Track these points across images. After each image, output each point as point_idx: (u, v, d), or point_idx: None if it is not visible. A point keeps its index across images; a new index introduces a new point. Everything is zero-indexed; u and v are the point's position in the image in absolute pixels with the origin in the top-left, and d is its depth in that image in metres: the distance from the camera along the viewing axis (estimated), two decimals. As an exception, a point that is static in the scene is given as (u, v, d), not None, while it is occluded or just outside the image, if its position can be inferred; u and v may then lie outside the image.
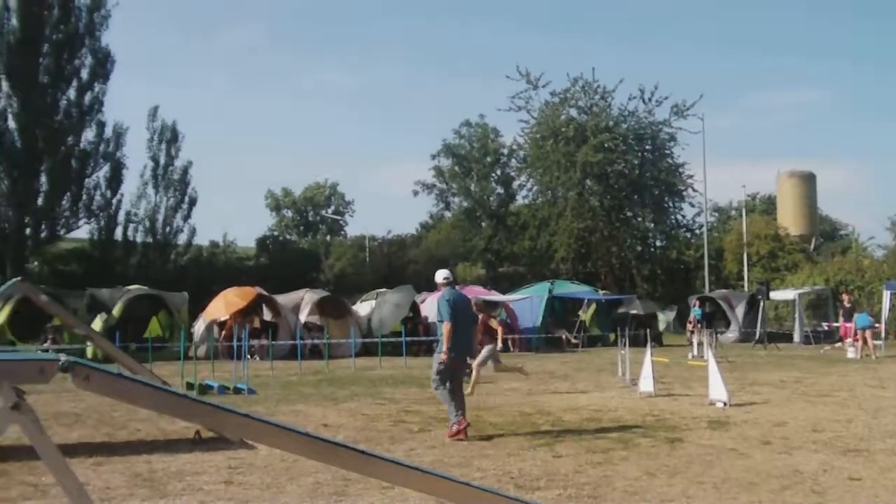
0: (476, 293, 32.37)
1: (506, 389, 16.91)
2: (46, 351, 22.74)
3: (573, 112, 50.37)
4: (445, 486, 3.15)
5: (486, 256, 55.64)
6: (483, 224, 57.04)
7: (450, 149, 57.28)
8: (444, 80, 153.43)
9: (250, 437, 3.13)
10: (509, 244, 54.45)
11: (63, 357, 2.53)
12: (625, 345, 19.14)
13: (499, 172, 57.51)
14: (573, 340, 32.36)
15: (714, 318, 34.74)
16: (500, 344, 16.62)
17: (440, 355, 10.97)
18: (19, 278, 10.35)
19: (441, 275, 11.67)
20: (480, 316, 15.19)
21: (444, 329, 10.96)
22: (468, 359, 11.80)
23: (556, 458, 9.41)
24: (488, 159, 56.78)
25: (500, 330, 18.41)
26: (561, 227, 48.24)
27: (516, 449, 9.96)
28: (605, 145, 46.98)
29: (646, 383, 15.67)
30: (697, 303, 35.04)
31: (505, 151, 57.22)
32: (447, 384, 10.92)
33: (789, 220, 54.25)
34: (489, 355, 15.97)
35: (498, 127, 58.41)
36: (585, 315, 34.39)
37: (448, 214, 60.70)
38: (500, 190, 57.68)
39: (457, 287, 12.08)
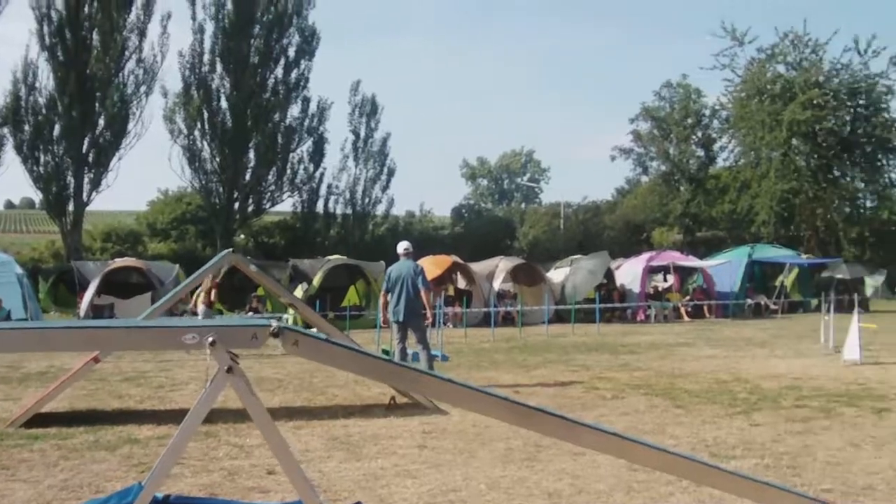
0: (672, 258, 31.92)
1: (702, 356, 16.64)
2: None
3: (780, 68, 47.87)
4: (643, 453, 3.21)
5: (684, 221, 54.52)
6: (681, 188, 55.77)
7: (648, 111, 56.15)
8: (644, 41, 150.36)
9: (451, 401, 3.27)
10: (708, 208, 53.13)
11: (274, 323, 2.73)
12: (828, 310, 18.24)
13: (699, 134, 55.92)
14: (772, 306, 31.34)
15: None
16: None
17: None
18: (230, 249, 10.94)
19: (401, 246, 13.15)
20: None
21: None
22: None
23: (754, 426, 9.23)
24: (689, 121, 55.22)
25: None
26: (763, 190, 46.36)
27: (711, 417, 9.81)
28: (815, 102, 44.41)
29: (851, 350, 15.04)
30: None
31: (707, 112, 55.60)
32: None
33: None
34: None
35: (701, 87, 56.78)
36: (787, 280, 33.19)
37: (645, 179, 59.71)
38: (700, 152, 56.11)
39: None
